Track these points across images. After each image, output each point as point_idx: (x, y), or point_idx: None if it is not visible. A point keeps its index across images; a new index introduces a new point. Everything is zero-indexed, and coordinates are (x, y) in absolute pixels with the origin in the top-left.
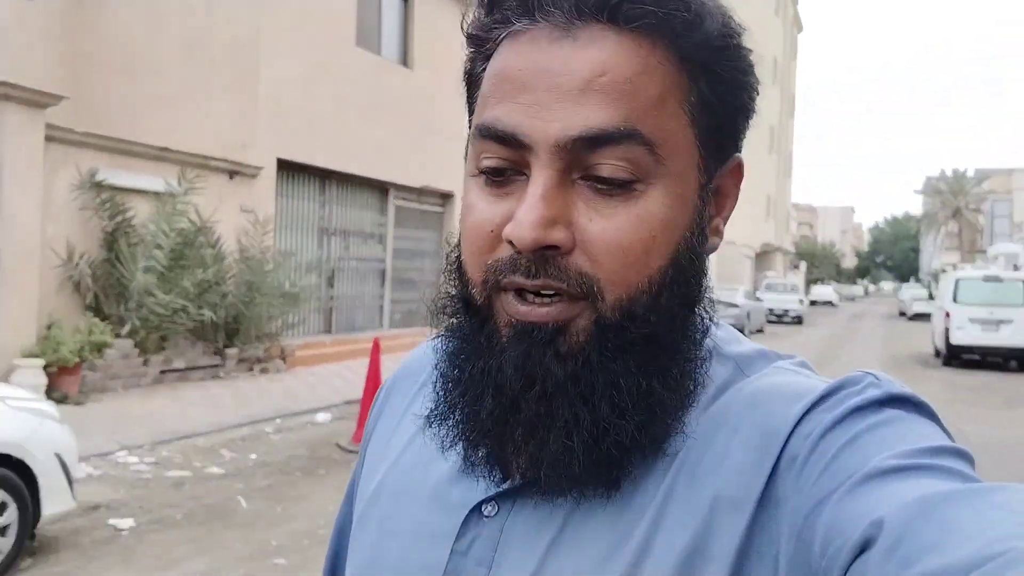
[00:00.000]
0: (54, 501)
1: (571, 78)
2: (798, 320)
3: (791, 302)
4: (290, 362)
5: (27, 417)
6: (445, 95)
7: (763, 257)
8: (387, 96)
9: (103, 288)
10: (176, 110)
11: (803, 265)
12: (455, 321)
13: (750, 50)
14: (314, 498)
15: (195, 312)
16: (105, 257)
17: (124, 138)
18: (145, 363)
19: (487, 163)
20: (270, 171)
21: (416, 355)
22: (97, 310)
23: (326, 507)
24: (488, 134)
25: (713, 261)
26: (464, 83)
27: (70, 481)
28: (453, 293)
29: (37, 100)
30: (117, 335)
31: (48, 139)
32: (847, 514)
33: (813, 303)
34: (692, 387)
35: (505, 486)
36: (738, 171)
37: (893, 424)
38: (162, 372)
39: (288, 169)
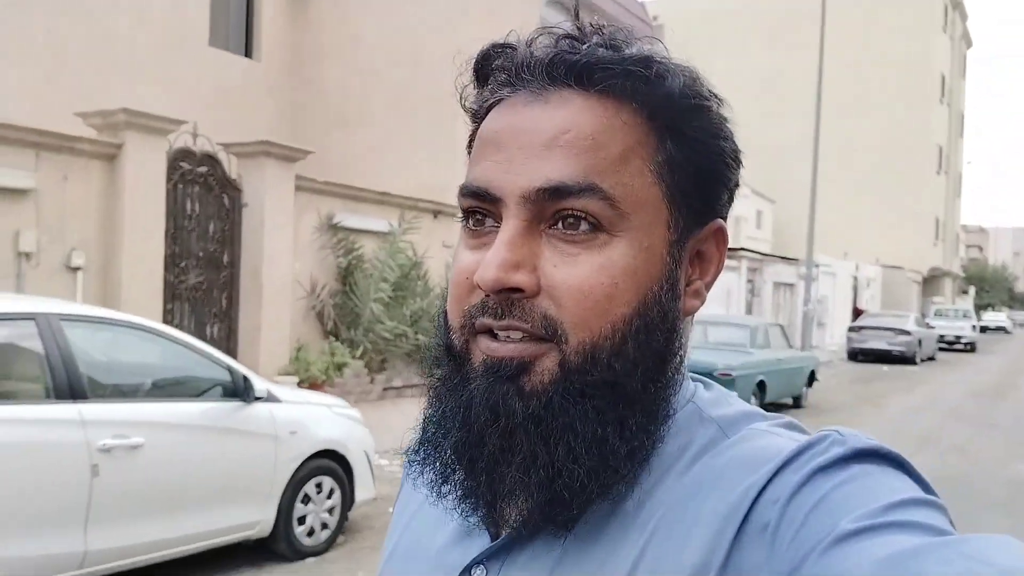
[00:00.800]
0: (363, 489)
1: (538, 136)
2: (971, 347)
3: (963, 328)
4: None
5: (344, 421)
6: None
7: (931, 282)
8: None
9: (339, 316)
10: (385, 156)
11: (972, 290)
12: (440, 370)
13: (723, 117)
14: None
15: (412, 337)
16: (340, 289)
17: (352, 185)
18: (371, 381)
19: (469, 215)
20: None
21: None
22: (335, 335)
23: None
24: (467, 191)
25: (878, 287)
26: (467, 150)
27: (372, 474)
28: (438, 342)
29: (289, 155)
30: (353, 356)
31: (296, 188)
32: None
33: (984, 329)
34: (649, 442)
35: (491, 546)
36: (720, 236)
37: (860, 480)
38: (384, 389)
39: None
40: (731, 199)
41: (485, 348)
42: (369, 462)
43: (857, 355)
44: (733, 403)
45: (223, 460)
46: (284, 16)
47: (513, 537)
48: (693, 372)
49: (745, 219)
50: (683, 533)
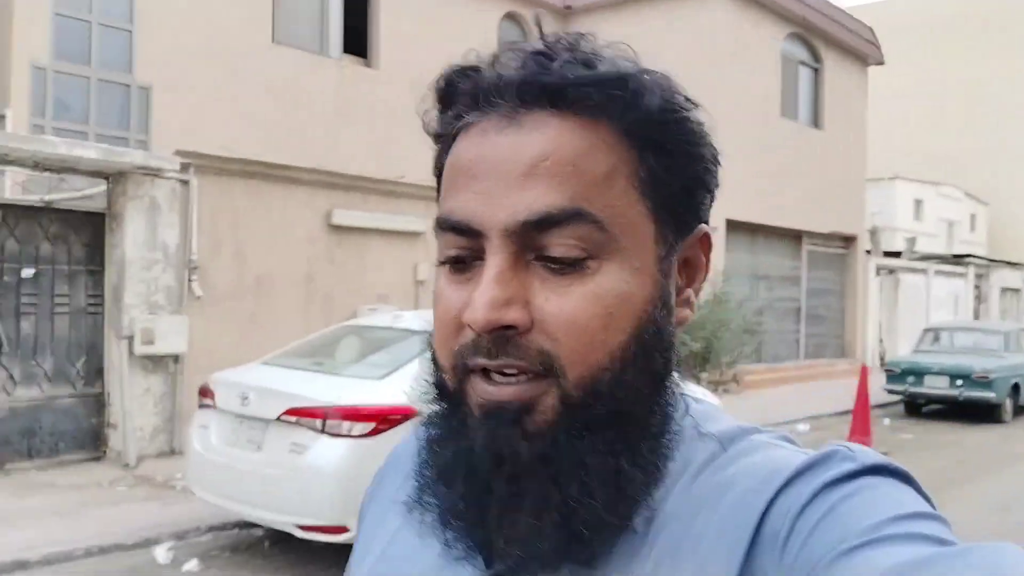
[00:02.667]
0: None
1: (516, 164)
2: None
3: None
4: (743, 385)
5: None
6: (850, 149)
7: None
8: (802, 156)
9: None
10: None
11: None
12: (434, 408)
13: (700, 122)
14: None
15: (688, 343)
16: None
17: None
18: None
19: (448, 253)
20: (721, 230)
21: (402, 445)
22: None
23: None
24: (445, 225)
25: None
26: (434, 176)
27: None
28: (431, 380)
29: None
30: None
31: None
32: None
33: None
34: (662, 464)
35: (490, 572)
36: (706, 241)
37: (867, 492)
38: None
39: (730, 227)
40: (713, 201)
41: (481, 392)
42: None
43: None
44: (725, 418)
45: None
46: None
47: (517, 564)
48: (948, 374)
49: (958, 223)
50: (693, 549)
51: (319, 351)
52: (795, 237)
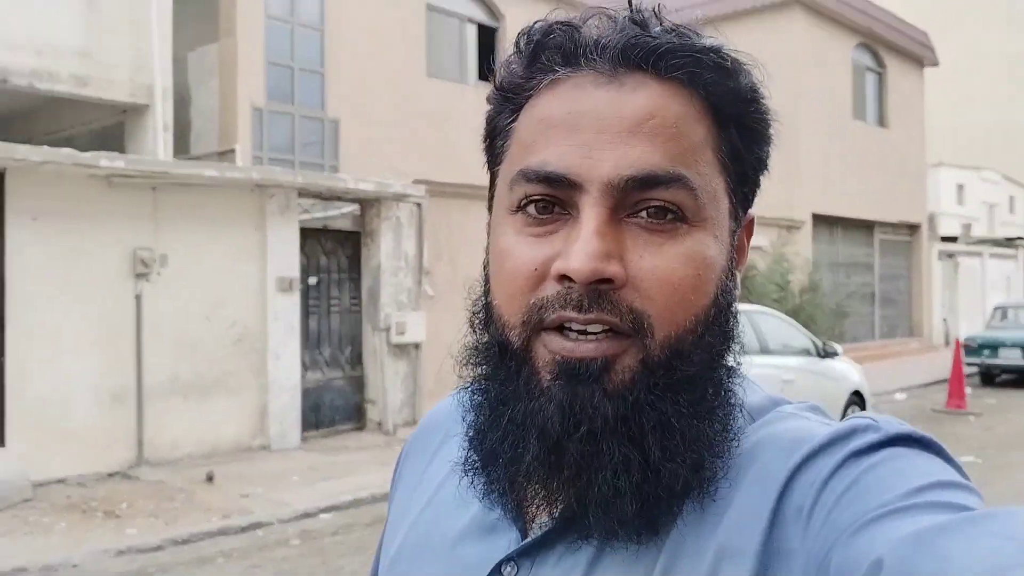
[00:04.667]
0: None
1: (621, 120)
2: None
3: None
4: None
5: (857, 372)
6: (911, 144)
7: None
8: (870, 153)
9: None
10: None
11: None
12: (487, 369)
13: (771, 110)
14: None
15: None
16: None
17: None
18: None
19: (533, 202)
20: (808, 223)
21: (433, 415)
22: None
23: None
24: (536, 177)
25: None
26: (485, 135)
27: (869, 407)
28: (486, 340)
29: None
30: None
31: None
32: (850, 559)
33: None
34: (735, 427)
35: (525, 543)
36: (751, 226)
37: (892, 463)
38: None
39: (816, 220)
40: (759, 190)
41: (558, 348)
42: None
43: None
44: (758, 390)
45: (815, 388)
46: None
47: (547, 534)
48: (1020, 347)
49: (998, 205)
50: (718, 516)
51: None
52: (868, 227)
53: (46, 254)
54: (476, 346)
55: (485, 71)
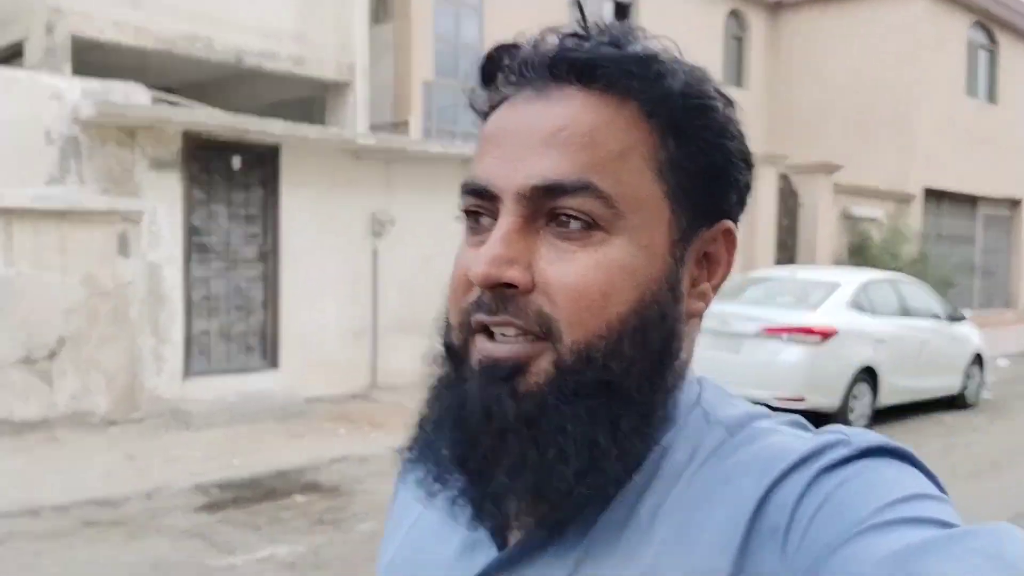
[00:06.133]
0: (990, 375)
1: (536, 133)
2: None
3: None
4: None
5: (977, 335)
6: (1019, 120)
7: None
8: (979, 129)
9: None
10: (846, 160)
11: None
12: (439, 369)
13: (730, 117)
14: None
15: None
16: (853, 262)
17: (856, 184)
18: None
19: (470, 213)
20: (919, 196)
21: None
22: None
23: None
24: (467, 189)
25: None
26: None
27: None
28: (439, 342)
29: (829, 169)
30: None
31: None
32: None
33: None
34: (641, 444)
35: (497, 557)
36: (729, 237)
37: (864, 476)
38: None
39: (926, 195)
40: (742, 201)
41: (481, 348)
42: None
43: None
44: (738, 404)
45: (946, 349)
46: (765, 52)
47: (522, 549)
48: None
49: None
50: (692, 539)
51: (737, 294)
52: (972, 202)
53: (308, 216)
54: (436, 348)
55: None
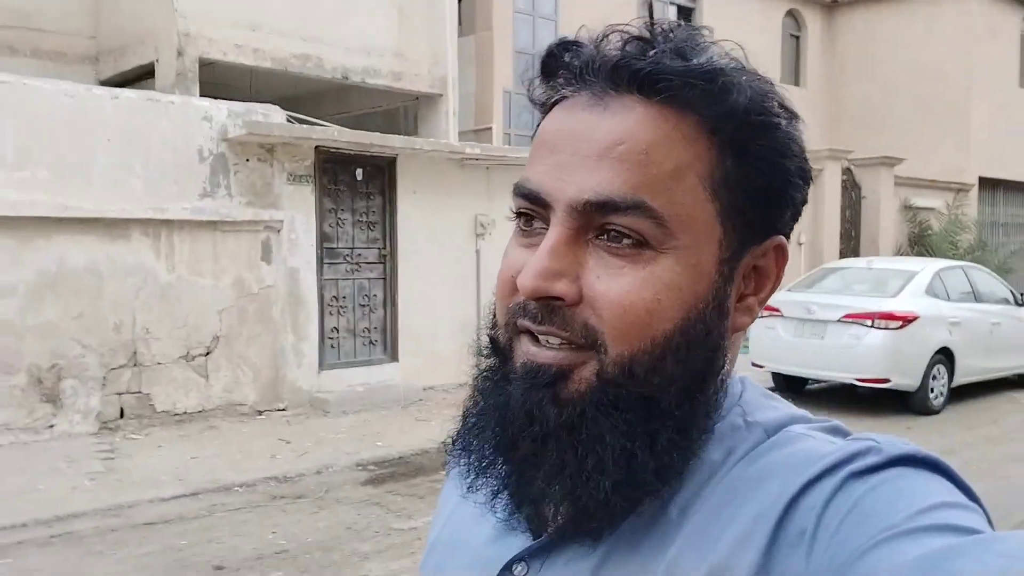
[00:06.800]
0: None
1: (592, 144)
2: None
3: None
4: None
5: None
6: None
7: None
8: None
9: None
10: (903, 152)
11: None
12: (485, 362)
13: (793, 134)
14: None
15: None
16: (914, 251)
17: (915, 176)
18: None
19: (521, 214)
20: (975, 186)
21: None
22: None
23: None
24: (520, 192)
25: None
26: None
27: None
28: (487, 334)
29: (891, 163)
30: None
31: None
32: None
33: None
34: (679, 458)
35: (533, 544)
36: (780, 252)
37: (893, 483)
38: None
39: (981, 184)
40: (796, 216)
41: (525, 351)
42: None
43: None
44: (779, 406)
45: (1016, 332)
46: (822, 49)
47: (555, 538)
48: None
49: None
50: (717, 536)
51: (815, 283)
52: None
53: (420, 220)
54: (483, 340)
55: None
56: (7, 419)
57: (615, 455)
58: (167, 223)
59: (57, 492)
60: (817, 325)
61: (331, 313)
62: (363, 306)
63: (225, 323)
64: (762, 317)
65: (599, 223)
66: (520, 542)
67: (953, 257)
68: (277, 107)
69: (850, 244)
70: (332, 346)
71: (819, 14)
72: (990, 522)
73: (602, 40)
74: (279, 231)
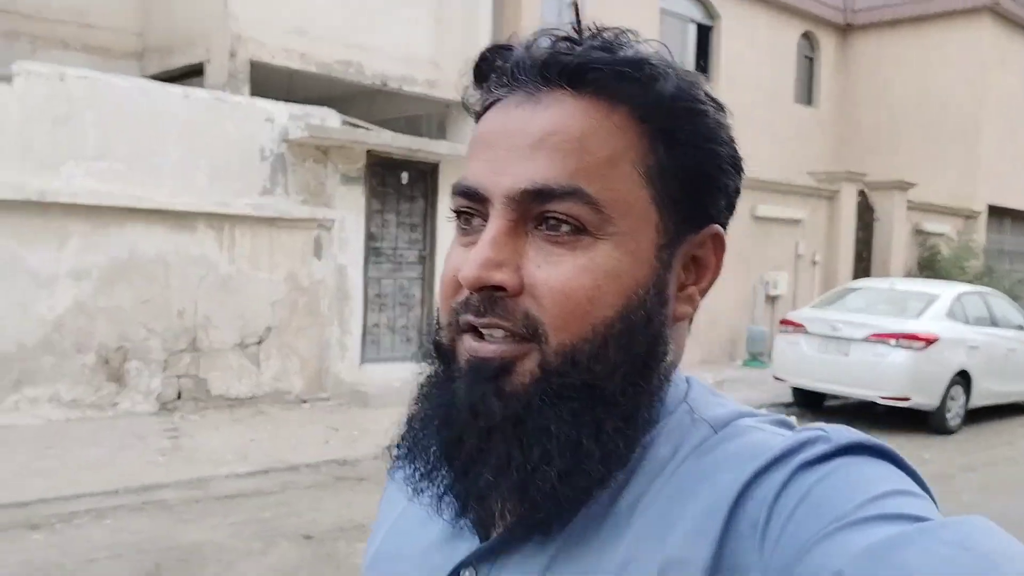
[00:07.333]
0: None
1: (526, 137)
2: None
3: None
4: None
5: None
6: None
7: None
8: None
9: None
10: (911, 176)
11: None
12: (429, 367)
13: (721, 122)
14: None
15: None
16: (922, 275)
17: (925, 202)
18: None
19: (460, 213)
20: (984, 213)
21: None
22: None
23: None
24: (458, 190)
25: None
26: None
27: None
28: (429, 340)
29: (903, 185)
30: None
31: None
32: (809, 574)
33: None
34: (625, 445)
35: (479, 548)
36: (718, 242)
37: (842, 472)
38: None
39: (991, 212)
40: (731, 206)
41: (468, 347)
42: None
43: None
44: (726, 403)
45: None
46: (835, 71)
47: (503, 539)
48: None
49: None
50: (669, 530)
51: (837, 301)
52: None
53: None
54: (425, 346)
55: (699, 68)
56: (77, 395)
57: (561, 445)
58: (230, 217)
59: (135, 465)
60: (842, 343)
61: (373, 310)
62: (402, 304)
63: (277, 314)
64: (786, 333)
65: (537, 212)
66: (468, 547)
67: (962, 283)
68: (333, 111)
69: (862, 265)
70: (373, 341)
71: (833, 37)
72: (936, 507)
73: (532, 42)
74: (330, 229)
